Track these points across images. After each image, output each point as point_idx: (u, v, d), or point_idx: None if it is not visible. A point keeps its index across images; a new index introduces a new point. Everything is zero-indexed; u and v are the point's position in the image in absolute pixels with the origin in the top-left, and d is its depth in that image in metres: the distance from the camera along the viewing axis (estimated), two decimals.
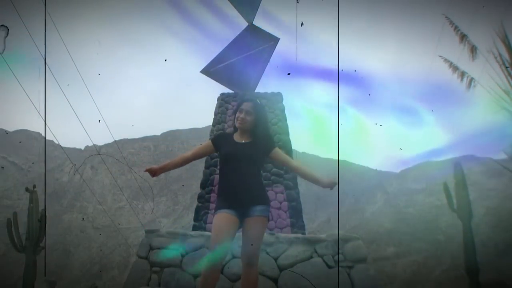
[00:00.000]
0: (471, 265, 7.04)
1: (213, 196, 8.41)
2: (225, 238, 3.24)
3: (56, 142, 20.59)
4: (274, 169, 8.51)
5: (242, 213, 3.33)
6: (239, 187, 3.33)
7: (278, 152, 3.52)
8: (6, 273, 17.44)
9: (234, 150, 3.42)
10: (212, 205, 8.31)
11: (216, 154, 9.33)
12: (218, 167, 8.59)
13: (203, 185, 8.67)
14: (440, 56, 8.98)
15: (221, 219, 3.29)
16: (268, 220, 3.43)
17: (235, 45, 9.45)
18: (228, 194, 3.36)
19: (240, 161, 3.37)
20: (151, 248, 7.16)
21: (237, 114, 3.50)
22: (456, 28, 8.69)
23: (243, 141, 3.48)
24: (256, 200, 3.34)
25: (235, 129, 3.57)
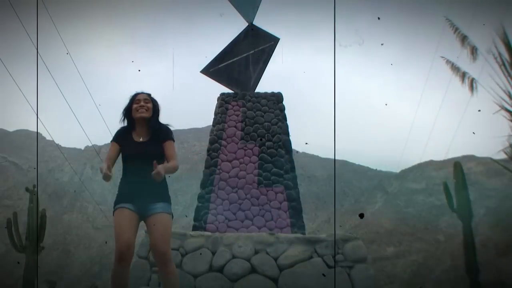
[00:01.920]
0: (471, 265, 7.05)
1: (213, 196, 8.40)
2: (128, 235, 3.20)
3: (56, 142, 20.58)
4: (274, 169, 8.50)
5: (142, 210, 3.30)
6: (140, 187, 3.32)
7: (171, 145, 3.43)
8: (6, 273, 17.42)
9: (133, 151, 3.39)
10: (212, 205, 8.31)
11: (216, 154, 9.26)
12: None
13: (203, 185, 8.66)
14: (442, 57, 8.99)
15: (122, 215, 3.28)
16: (173, 217, 3.38)
17: (235, 45, 9.46)
18: (129, 193, 3.35)
19: (139, 161, 3.34)
20: None
21: (135, 106, 3.44)
22: (456, 30, 8.70)
23: (141, 140, 3.45)
24: (156, 197, 3.31)
25: (130, 126, 3.50)
